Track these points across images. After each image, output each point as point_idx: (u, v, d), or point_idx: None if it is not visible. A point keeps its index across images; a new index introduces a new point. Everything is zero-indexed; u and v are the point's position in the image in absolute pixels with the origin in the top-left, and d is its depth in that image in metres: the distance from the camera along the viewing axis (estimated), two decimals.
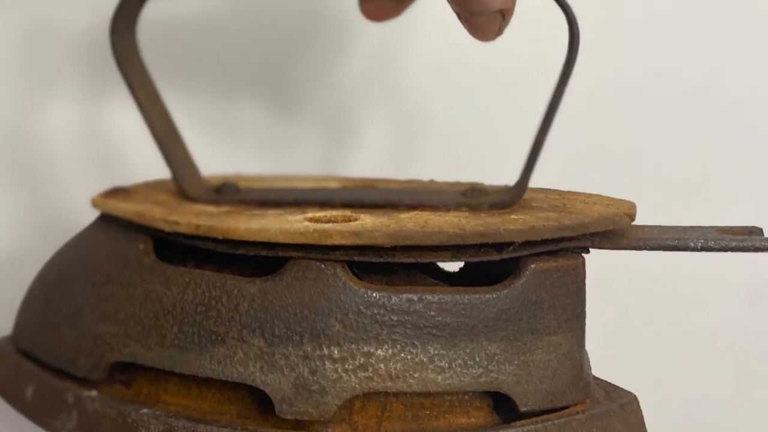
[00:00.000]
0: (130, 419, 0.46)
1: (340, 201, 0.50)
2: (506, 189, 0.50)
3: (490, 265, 0.45)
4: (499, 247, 0.44)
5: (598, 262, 0.48)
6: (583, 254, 0.46)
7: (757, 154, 0.74)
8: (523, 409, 0.44)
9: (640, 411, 0.47)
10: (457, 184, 0.54)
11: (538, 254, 0.45)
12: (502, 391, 0.44)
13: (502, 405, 0.45)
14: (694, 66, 0.73)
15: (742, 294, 0.75)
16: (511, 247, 0.44)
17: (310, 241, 0.43)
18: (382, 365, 0.43)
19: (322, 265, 0.44)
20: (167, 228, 0.47)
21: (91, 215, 0.53)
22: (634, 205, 0.47)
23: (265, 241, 0.44)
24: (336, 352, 0.43)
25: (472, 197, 0.49)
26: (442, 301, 0.43)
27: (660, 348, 0.75)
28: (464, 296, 0.43)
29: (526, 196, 0.50)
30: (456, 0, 0.45)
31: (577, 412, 0.45)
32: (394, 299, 0.43)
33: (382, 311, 0.43)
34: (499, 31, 0.47)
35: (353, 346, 0.43)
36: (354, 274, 0.44)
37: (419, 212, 0.47)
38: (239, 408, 0.46)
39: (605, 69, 0.72)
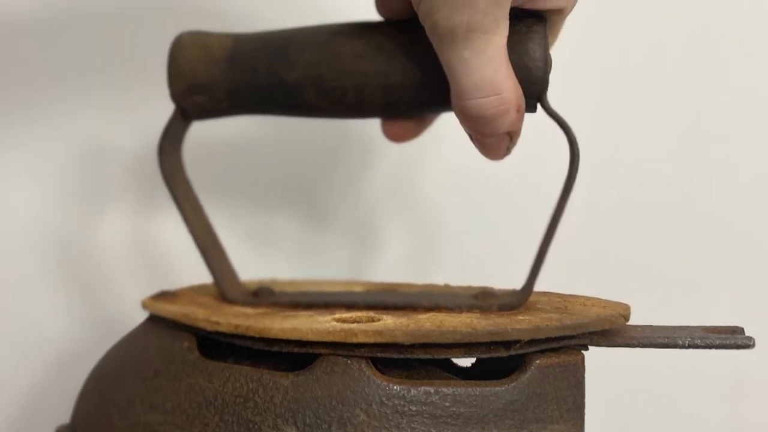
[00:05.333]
0: None
1: (365, 303, 0.50)
2: (513, 293, 0.50)
3: (499, 361, 0.45)
4: (507, 344, 0.44)
5: (596, 357, 0.48)
6: (582, 351, 0.46)
7: (739, 261, 0.74)
8: None
9: None
10: (470, 288, 0.54)
11: (542, 351, 0.44)
12: None
13: None
14: (682, 179, 0.74)
15: (726, 387, 0.74)
16: (518, 345, 0.44)
17: (337, 339, 0.44)
18: None
19: (349, 361, 0.44)
20: (209, 327, 0.47)
21: (140, 316, 0.54)
22: (628, 307, 0.47)
23: (297, 339, 0.44)
24: None
25: (483, 300, 0.49)
26: (456, 393, 0.43)
27: None
28: (476, 389, 0.43)
29: (532, 298, 0.49)
30: (468, 123, 0.46)
31: None
32: (413, 391, 0.43)
33: (402, 402, 0.43)
34: (507, 151, 0.48)
35: None
36: (377, 369, 0.44)
37: (435, 313, 0.47)
38: None
39: (602, 184, 0.73)
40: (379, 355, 0.44)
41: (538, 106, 0.47)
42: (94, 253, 0.71)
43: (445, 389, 0.43)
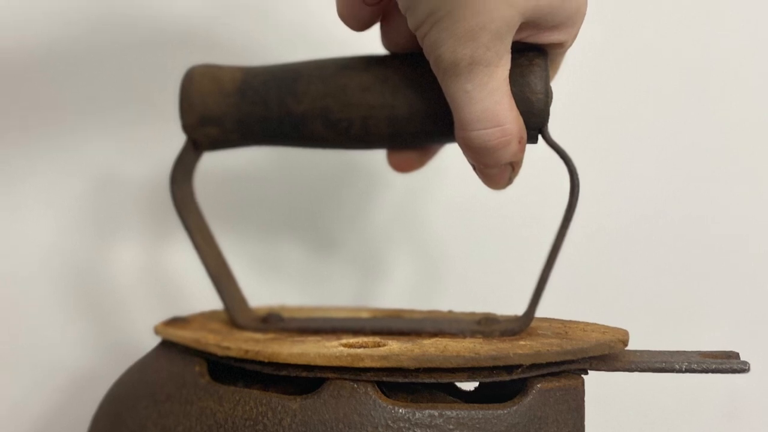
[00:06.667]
0: None
1: (371, 329, 0.50)
2: (515, 318, 0.50)
3: (501, 385, 0.46)
4: (509, 369, 0.44)
5: (595, 382, 0.48)
6: (582, 375, 0.46)
7: (734, 288, 0.74)
8: None
9: None
10: (473, 314, 0.54)
11: (543, 375, 0.45)
12: None
13: None
14: (679, 209, 0.74)
15: (722, 410, 0.74)
16: (520, 369, 0.44)
17: (344, 363, 0.44)
18: None
19: (355, 385, 0.44)
20: (220, 352, 0.47)
21: (153, 341, 0.54)
22: (627, 333, 0.47)
23: (305, 363, 0.45)
24: None
25: (485, 326, 0.49)
26: (460, 416, 0.43)
27: None
28: (479, 412, 0.43)
29: (533, 324, 0.50)
30: (471, 154, 0.46)
31: None
32: (418, 414, 0.43)
33: (407, 425, 0.43)
34: (509, 181, 0.48)
35: None
36: (383, 392, 0.45)
37: (439, 339, 0.47)
38: None
39: (601, 214, 0.73)
40: (384, 379, 0.44)
41: (540, 137, 0.47)
42: (108, 280, 0.71)
43: (448, 412, 0.43)
